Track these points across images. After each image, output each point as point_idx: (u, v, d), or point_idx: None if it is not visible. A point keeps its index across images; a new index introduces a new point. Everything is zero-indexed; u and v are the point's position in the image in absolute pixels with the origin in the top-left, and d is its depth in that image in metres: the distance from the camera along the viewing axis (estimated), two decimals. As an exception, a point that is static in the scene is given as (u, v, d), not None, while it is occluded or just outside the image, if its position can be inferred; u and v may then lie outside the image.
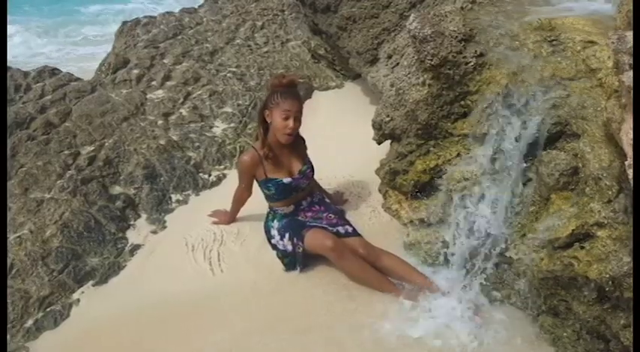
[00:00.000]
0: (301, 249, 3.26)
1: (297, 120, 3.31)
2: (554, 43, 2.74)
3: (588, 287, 2.38)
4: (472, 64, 2.84)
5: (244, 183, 3.53)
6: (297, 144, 3.52)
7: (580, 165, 2.45)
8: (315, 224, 3.41)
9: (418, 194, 3.34)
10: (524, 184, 2.76)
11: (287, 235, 3.34)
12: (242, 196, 3.63)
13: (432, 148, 3.18)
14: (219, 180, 4.67)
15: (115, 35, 7.59)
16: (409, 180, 3.32)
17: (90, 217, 3.91)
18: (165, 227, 4.10)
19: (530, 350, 2.73)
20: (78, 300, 3.39)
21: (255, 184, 3.55)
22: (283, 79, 3.36)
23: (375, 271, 3.17)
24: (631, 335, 2.19)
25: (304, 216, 3.50)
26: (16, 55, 9.56)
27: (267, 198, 3.53)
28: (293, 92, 3.34)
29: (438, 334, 2.82)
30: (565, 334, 2.64)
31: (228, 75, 6.17)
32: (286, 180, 3.42)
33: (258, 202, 3.64)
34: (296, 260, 3.32)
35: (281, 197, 3.47)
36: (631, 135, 1.90)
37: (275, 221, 3.47)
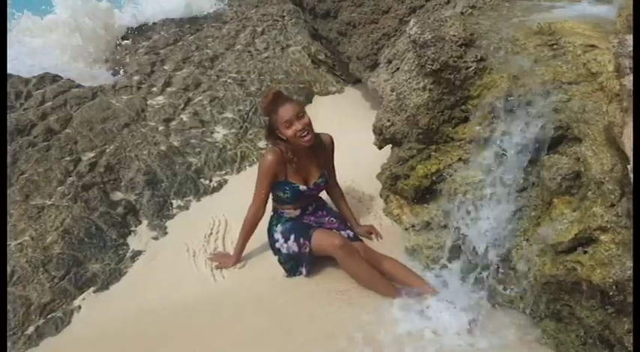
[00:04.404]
0: (308, 248, 3.25)
1: (301, 119, 3.23)
2: (554, 47, 2.74)
3: (591, 292, 2.37)
4: (473, 68, 2.84)
5: (263, 188, 3.36)
6: (318, 151, 3.46)
7: (582, 169, 2.45)
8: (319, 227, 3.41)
9: (419, 198, 3.34)
10: (526, 188, 2.75)
11: (292, 237, 3.33)
12: (257, 214, 3.42)
13: (433, 153, 3.18)
14: (220, 185, 4.67)
15: (117, 41, 7.61)
16: (410, 185, 3.32)
17: (91, 223, 3.91)
18: (166, 233, 4.09)
19: (533, 355, 2.72)
20: (79, 307, 3.39)
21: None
22: (267, 97, 3.32)
23: (380, 275, 3.16)
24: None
25: (308, 220, 3.49)
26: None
27: (278, 200, 3.48)
28: (282, 100, 3.28)
29: (439, 340, 2.80)
30: (568, 339, 2.62)
31: (229, 80, 6.18)
32: (302, 187, 3.40)
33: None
34: (302, 261, 3.30)
35: (293, 201, 3.44)
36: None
37: (279, 225, 3.45)
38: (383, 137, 3.50)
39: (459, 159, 3.04)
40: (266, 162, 3.32)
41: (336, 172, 3.65)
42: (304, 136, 3.22)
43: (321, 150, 3.49)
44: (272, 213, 3.54)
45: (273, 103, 3.26)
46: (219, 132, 5.28)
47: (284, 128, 3.22)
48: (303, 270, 3.31)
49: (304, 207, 3.49)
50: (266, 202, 3.43)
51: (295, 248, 3.30)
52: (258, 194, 3.39)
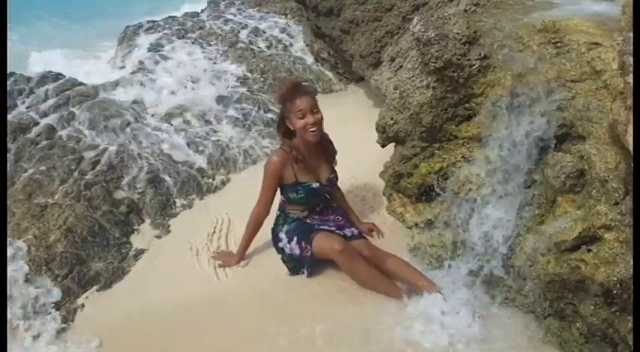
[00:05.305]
0: (309, 252, 3.25)
1: (315, 114, 3.23)
2: (558, 44, 2.73)
3: (595, 291, 2.36)
4: (476, 66, 2.83)
5: (268, 190, 3.36)
6: (325, 148, 3.48)
7: (586, 167, 2.44)
8: (323, 227, 3.40)
9: (423, 197, 3.33)
10: (530, 187, 2.74)
11: (295, 239, 3.32)
12: (261, 214, 3.43)
13: (436, 151, 3.17)
14: (224, 184, 4.67)
15: (119, 39, 7.61)
16: (414, 183, 3.31)
17: (94, 222, 3.90)
18: (169, 231, 4.10)
19: (536, 353, 2.72)
20: (82, 305, 3.38)
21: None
22: (285, 84, 3.35)
23: (382, 275, 3.16)
24: None
25: (312, 219, 3.48)
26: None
27: (290, 201, 3.44)
28: (300, 91, 3.29)
29: (443, 338, 2.80)
30: (572, 337, 2.62)
31: (231, 78, 6.17)
32: (315, 185, 3.38)
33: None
34: (304, 264, 3.30)
35: (307, 201, 3.42)
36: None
37: (285, 225, 3.45)
38: (386, 135, 3.49)
39: (463, 158, 3.04)
40: (271, 164, 3.33)
41: (339, 170, 3.64)
42: (313, 131, 3.22)
43: (328, 146, 3.51)
44: (278, 213, 3.53)
45: (292, 92, 3.27)
46: (223, 131, 5.29)
47: (296, 118, 3.21)
48: (305, 272, 3.31)
49: (312, 208, 3.49)
50: (271, 204, 3.43)
51: (297, 250, 3.30)
52: (263, 195, 3.39)
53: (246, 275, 3.43)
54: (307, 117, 3.20)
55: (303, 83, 3.45)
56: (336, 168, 3.60)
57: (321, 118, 3.27)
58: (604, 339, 2.48)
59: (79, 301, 3.41)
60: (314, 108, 3.23)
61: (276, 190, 3.39)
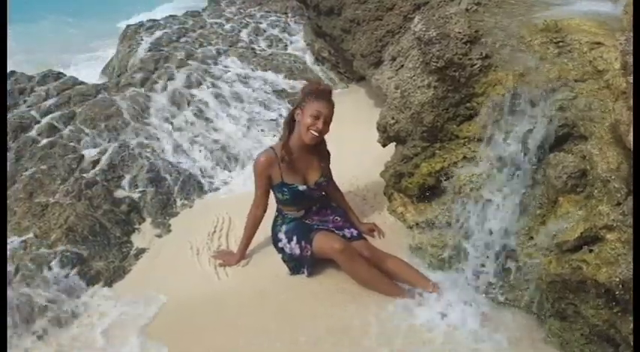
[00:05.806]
0: (309, 251, 3.24)
1: (326, 124, 3.26)
2: (560, 44, 2.72)
3: (597, 291, 2.35)
4: (478, 65, 2.83)
5: (260, 189, 3.40)
6: (319, 153, 3.48)
7: (588, 167, 2.43)
8: (322, 227, 3.40)
9: (424, 197, 3.33)
10: (532, 187, 2.74)
11: (295, 239, 3.32)
12: (257, 213, 3.45)
13: (437, 151, 3.17)
14: (224, 183, 4.67)
15: (119, 39, 7.62)
16: (414, 183, 3.31)
17: (95, 221, 3.90)
18: (170, 231, 4.10)
19: (537, 354, 2.71)
20: (83, 304, 3.38)
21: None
22: (321, 84, 3.41)
23: (382, 275, 3.16)
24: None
25: (311, 219, 3.48)
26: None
27: (280, 201, 3.47)
28: (329, 98, 3.32)
29: (444, 338, 2.80)
30: (573, 337, 2.61)
31: (232, 78, 6.18)
32: (301, 187, 3.38)
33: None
34: (304, 263, 3.30)
35: (294, 203, 3.44)
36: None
37: (284, 225, 3.44)
38: (387, 135, 3.49)
39: (464, 157, 3.03)
40: (257, 164, 3.37)
41: (340, 170, 3.64)
42: (313, 135, 3.23)
43: (323, 152, 3.50)
44: (276, 213, 3.53)
45: (322, 93, 3.30)
46: (223, 130, 5.28)
47: (307, 115, 3.23)
48: (305, 271, 3.31)
49: (308, 209, 3.49)
50: (265, 202, 3.45)
51: (297, 250, 3.29)
52: (256, 195, 3.44)
53: (247, 275, 3.43)
54: (317, 122, 3.22)
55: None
56: (336, 168, 3.60)
57: (327, 131, 3.31)
58: (605, 340, 2.48)
59: (80, 301, 3.41)
60: (328, 119, 3.27)
61: (268, 189, 3.42)
